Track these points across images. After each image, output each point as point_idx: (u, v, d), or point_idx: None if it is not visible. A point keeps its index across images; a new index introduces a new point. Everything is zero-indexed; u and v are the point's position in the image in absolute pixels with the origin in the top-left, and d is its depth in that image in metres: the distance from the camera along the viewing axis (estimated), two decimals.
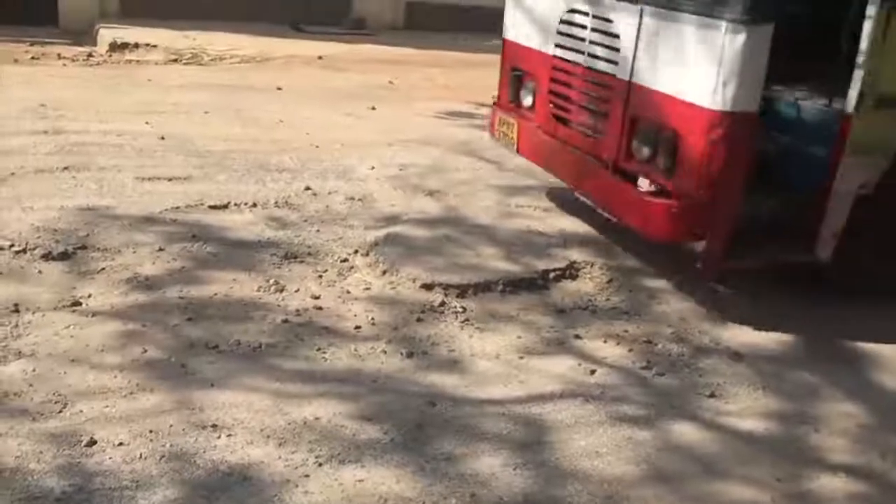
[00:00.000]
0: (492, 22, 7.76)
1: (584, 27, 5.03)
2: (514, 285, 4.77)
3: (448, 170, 6.69)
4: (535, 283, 4.83)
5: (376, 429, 3.44)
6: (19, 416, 3.31)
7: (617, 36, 4.75)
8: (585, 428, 3.61)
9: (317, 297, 4.45)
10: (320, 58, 11.15)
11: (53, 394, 3.46)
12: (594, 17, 4.94)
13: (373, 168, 6.57)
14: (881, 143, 4.37)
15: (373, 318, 4.30)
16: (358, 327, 4.22)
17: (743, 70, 4.05)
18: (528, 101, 5.73)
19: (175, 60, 10.57)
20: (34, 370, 3.61)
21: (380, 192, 6.06)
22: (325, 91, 9.34)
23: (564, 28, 5.21)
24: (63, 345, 3.82)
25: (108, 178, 5.85)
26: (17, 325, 3.94)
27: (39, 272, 4.46)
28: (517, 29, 5.82)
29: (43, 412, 3.35)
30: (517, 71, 5.82)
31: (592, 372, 4.04)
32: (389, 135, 7.59)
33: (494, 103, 6.14)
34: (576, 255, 5.15)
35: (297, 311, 4.30)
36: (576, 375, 4.01)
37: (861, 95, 4.18)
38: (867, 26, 4.10)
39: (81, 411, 3.37)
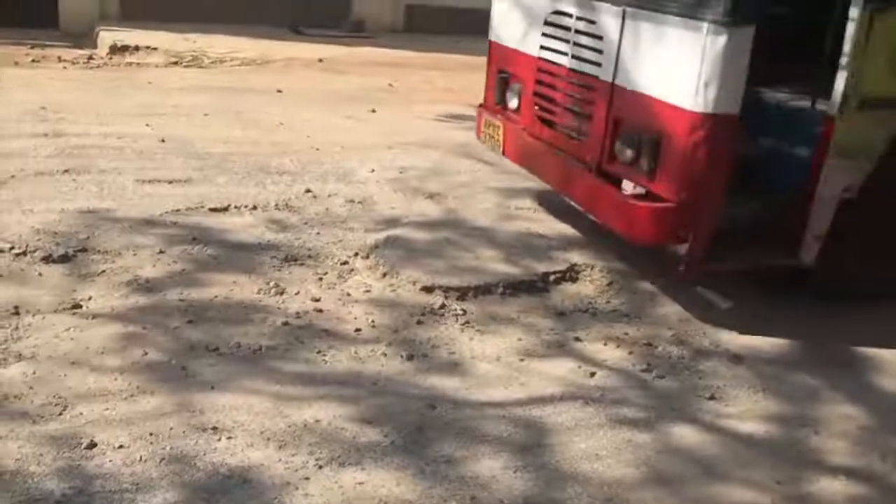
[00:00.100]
0: None
1: (567, 29, 5.03)
2: (515, 288, 4.77)
3: (448, 172, 6.70)
4: (535, 286, 4.83)
5: (376, 431, 3.44)
6: (19, 419, 3.31)
7: (600, 37, 4.74)
8: (585, 430, 3.61)
9: (317, 300, 4.46)
10: (320, 60, 11.16)
11: (53, 396, 3.46)
12: (578, 18, 4.93)
13: (373, 171, 6.57)
14: (865, 145, 4.36)
15: (373, 321, 4.30)
16: (358, 330, 4.22)
17: (724, 72, 4.03)
18: (513, 103, 5.72)
19: (175, 63, 10.58)
20: (34, 373, 3.61)
21: (380, 195, 6.07)
22: (325, 94, 9.35)
23: (549, 30, 5.21)
24: (63, 347, 3.82)
25: (108, 181, 5.85)
26: (17, 328, 3.94)
27: (40, 275, 4.46)
28: (503, 31, 5.81)
29: (43, 415, 3.35)
30: (503, 73, 5.82)
31: (592, 374, 4.04)
32: (389, 137, 7.59)
33: (480, 105, 6.14)
34: (576, 257, 5.15)
35: (298, 313, 4.30)
36: (576, 378, 4.01)
37: (844, 97, 4.17)
38: (850, 28, 4.09)
39: (81, 414, 3.37)
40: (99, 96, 8.33)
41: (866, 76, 4.16)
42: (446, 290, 4.64)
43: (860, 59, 4.12)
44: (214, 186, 5.94)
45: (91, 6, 12.30)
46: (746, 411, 3.87)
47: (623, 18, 4.55)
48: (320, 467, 3.20)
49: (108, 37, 11.14)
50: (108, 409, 3.41)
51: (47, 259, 4.59)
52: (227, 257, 4.84)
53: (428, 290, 4.64)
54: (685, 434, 3.66)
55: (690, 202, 4.23)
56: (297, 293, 4.51)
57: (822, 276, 4.65)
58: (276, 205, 5.68)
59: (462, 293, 4.63)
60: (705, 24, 4.05)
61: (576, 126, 5.06)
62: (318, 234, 5.27)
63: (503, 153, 5.80)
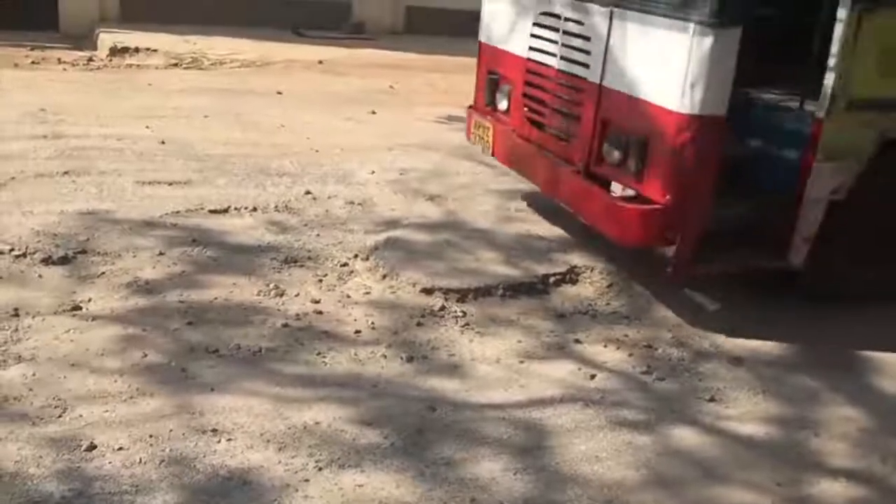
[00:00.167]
0: None
1: (556, 30, 5.01)
2: (515, 290, 4.77)
3: (448, 174, 6.70)
4: (535, 288, 4.83)
5: (376, 433, 3.43)
6: (19, 421, 3.31)
7: (588, 38, 4.73)
8: (585, 432, 3.60)
9: (317, 302, 4.45)
10: (320, 62, 11.16)
11: (53, 398, 3.46)
12: (566, 19, 4.92)
13: (373, 172, 6.57)
14: (853, 147, 4.33)
15: (373, 323, 4.30)
16: (358, 332, 4.22)
17: (711, 73, 4.02)
18: (503, 104, 5.71)
19: (175, 65, 10.58)
20: (34, 374, 3.61)
21: (380, 197, 6.07)
22: (325, 95, 9.35)
23: (537, 31, 5.20)
24: (63, 349, 3.82)
25: (108, 183, 5.85)
26: (17, 330, 3.94)
27: (39, 276, 4.46)
28: (492, 32, 5.80)
29: (43, 416, 3.35)
30: (493, 74, 5.81)
31: (592, 376, 4.04)
32: (389, 139, 7.60)
33: (470, 107, 6.12)
34: (576, 259, 5.15)
35: (297, 315, 4.30)
36: (576, 380, 4.00)
37: (832, 98, 4.15)
38: (838, 29, 4.07)
39: (81, 416, 3.37)
40: (99, 98, 8.33)
41: (854, 77, 4.14)
42: (446, 291, 4.64)
43: (848, 60, 4.10)
44: (214, 188, 5.94)
45: (91, 8, 12.30)
46: (746, 413, 3.87)
47: (610, 19, 4.54)
48: (320, 469, 3.19)
49: (108, 38, 11.14)
50: (107, 410, 3.41)
51: (47, 261, 4.59)
52: (227, 259, 4.84)
53: (428, 291, 4.63)
54: (685, 436, 3.66)
55: (678, 204, 4.22)
56: (297, 295, 4.51)
57: (810, 279, 4.64)
58: (276, 206, 5.68)
59: (462, 295, 4.63)
60: (692, 25, 4.03)
61: (564, 127, 5.05)
62: (318, 235, 5.27)
63: (492, 154, 5.79)
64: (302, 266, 4.86)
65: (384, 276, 4.78)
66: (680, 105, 4.12)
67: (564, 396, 3.85)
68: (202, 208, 5.52)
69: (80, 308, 4.18)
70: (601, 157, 4.69)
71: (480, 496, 3.15)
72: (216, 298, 4.39)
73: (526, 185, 6.38)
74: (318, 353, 3.99)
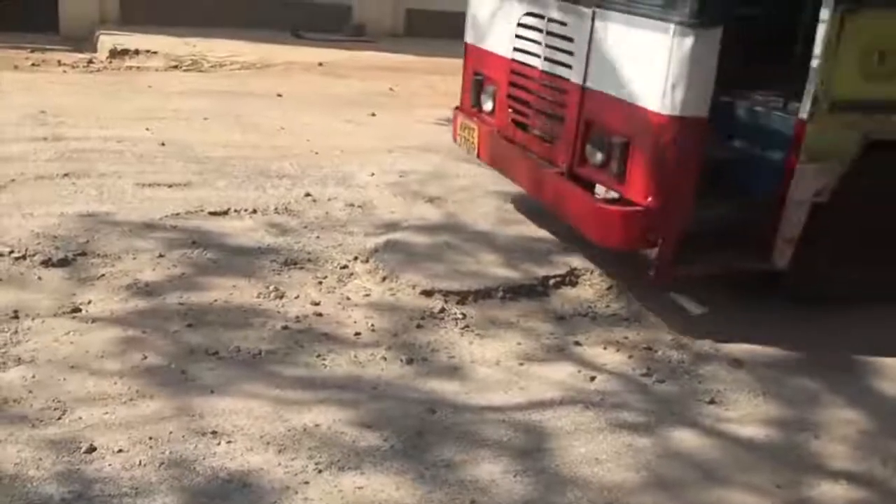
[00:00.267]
0: None
1: (540, 30, 4.99)
2: (514, 292, 4.77)
3: (448, 176, 6.69)
4: (534, 290, 4.83)
5: (376, 436, 3.43)
6: (19, 423, 3.31)
7: (571, 39, 4.72)
8: (585, 435, 3.60)
9: (317, 304, 4.45)
10: (320, 64, 11.16)
11: (53, 400, 3.45)
12: (549, 20, 4.90)
13: (373, 174, 6.57)
14: (836, 148, 4.30)
15: (373, 325, 4.30)
16: (358, 334, 4.22)
17: (691, 74, 4.00)
18: (488, 105, 5.69)
19: (175, 67, 10.58)
20: (34, 376, 3.61)
21: (380, 199, 6.07)
22: (325, 98, 9.35)
23: (522, 31, 5.18)
24: (63, 351, 3.81)
25: (108, 185, 5.85)
26: (16, 332, 3.94)
27: (39, 278, 4.46)
28: (478, 33, 5.78)
29: (42, 419, 3.35)
30: (478, 75, 5.78)
31: (592, 378, 4.04)
32: (389, 141, 7.60)
33: (456, 108, 6.10)
34: (576, 261, 5.15)
35: (297, 317, 4.30)
36: (576, 382, 4.00)
37: (815, 100, 4.12)
38: (820, 30, 4.05)
39: (81, 418, 3.36)
40: (99, 100, 8.33)
41: (837, 78, 4.12)
42: (446, 294, 4.64)
43: (831, 62, 4.08)
44: (214, 190, 5.94)
45: (91, 10, 12.29)
46: (747, 415, 3.87)
47: (593, 20, 4.52)
48: (320, 471, 3.19)
49: (108, 41, 11.13)
50: (107, 413, 3.41)
51: (47, 263, 4.59)
52: (227, 261, 4.84)
53: (428, 294, 4.63)
54: (685, 438, 3.66)
55: (659, 205, 4.20)
56: (297, 297, 4.51)
57: (794, 280, 4.62)
58: (276, 209, 5.68)
59: (462, 297, 4.63)
60: (672, 26, 4.01)
61: (548, 129, 5.03)
62: (318, 237, 5.27)
63: (478, 156, 5.76)
64: (302, 268, 4.86)
65: (384, 279, 4.78)
66: (661, 106, 4.10)
67: (564, 398, 3.85)
68: (202, 210, 5.51)
69: (80, 310, 4.18)
70: (584, 159, 4.67)
71: (480, 498, 3.15)
72: (216, 300, 4.38)
73: None
74: (318, 356, 3.99)
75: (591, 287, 4.92)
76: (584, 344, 4.35)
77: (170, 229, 5.18)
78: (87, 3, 12.25)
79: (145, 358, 3.82)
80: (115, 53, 10.79)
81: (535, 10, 5.03)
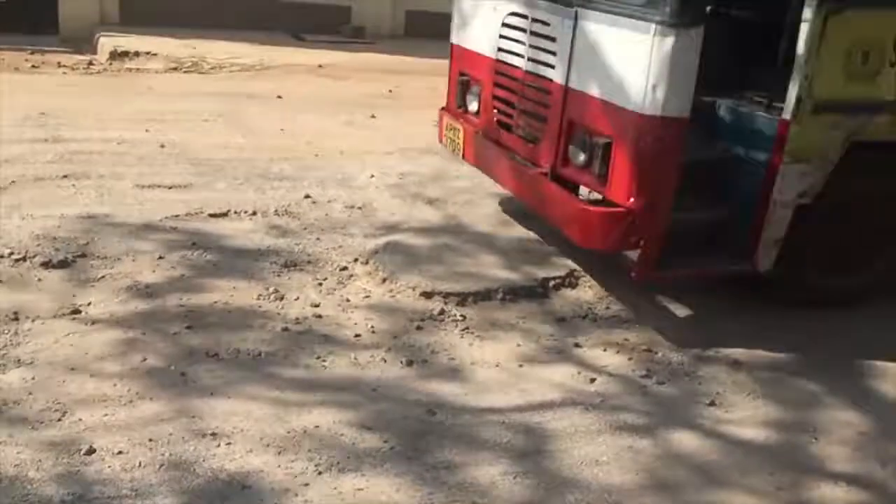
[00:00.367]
0: None
1: (523, 30, 4.97)
2: (514, 293, 4.77)
3: (448, 178, 6.69)
4: (534, 292, 4.83)
5: (376, 437, 3.43)
6: (18, 424, 3.31)
7: (553, 39, 4.70)
8: (585, 436, 3.60)
9: (316, 306, 4.45)
10: (320, 66, 11.16)
11: (53, 402, 3.45)
12: (533, 20, 4.88)
13: (373, 176, 6.57)
14: (820, 150, 4.26)
15: (372, 327, 4.30)
16: (358, 335, 4.22)
17: (672, 74, 3.97)
18: (473, 106, 5.66)
19: (175, 69, 10.58)
20: (33, 378, 3.61)
21: (380, 201, 6.07)
22: (325, 99, 9.35)
23: (506, 31, 5.15)
24: (62, 353, 3.81)
25: (108, 186, 5.85)
26: (16, 333, 3.94)
27: (39, 280, 4.46)
28: (463, 33, 5.75)
29: (42, 420, 3.35)
30: (464, 75, 5.75)
31: (592, 380, 4.04)
32: (389, 143, 7.60)
33: (442, 108, 6.07)
34: (575, 263, 5.15)
35: (297, 319, 4.30)
36: (576, 384, 4.00)
37: (798, 101, 4.09)
38: (804, 30, 4.02)
39: (81, 419, 3.37)
40: (99, 102, 8.33)
41: (821, 79, 4.08)
42: (446, 295, 4.64)
43: (814, 62, 4.04)
44: (214, 192, 5.94)
45: (91, 12, 12.29)
46: (746, 417, 3.87)
47: (575, 20, 4.50)
48: (320, 473, 3.19)
49: (108, 42, 11.14)
50: (107, 414, 3.41)
51: (47, 264, 4.59)
52: (227, 263, 4.84)
53: (427, 295, 4.64)
54: (685, 440, 3.66)
55: (640, 206, 4.17)
56: (297, 299, 4.51)
57: (779, 283, 4.60)
58: (276, 210, 5.68)
59: (462, 299, 4.63)
60: (653, 25, 3.98)
61: (531, 129, 5.00)
62: (318, 239, 5.27)
63: (463, 157, 5.73)
64: (302, 270, 4.86)
65: (384, 280, 4.78)
66: (642, 106, 4.07)
67: (564, 400, 3.85)
68: (202, 212, 5.52)
69: (80, 312, 4.18)
70: (567, 160, 4.64)
71: (480, 500, 3.15)
72: (216, 302, 4.39)
73: None
74: (318, 357, 3.99)
75: (591, 289, 4.92)
76: (583, 346, 4.35)
77: (170, 231, 5.19)
78: (86, 5, 12.26)
79: (145, 360, 3.82)
80: (115, 55, 10.80)
81: (520, 10, 5.00)
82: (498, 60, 5.25)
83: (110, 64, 10.65)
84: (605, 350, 4.33)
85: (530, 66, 4.93)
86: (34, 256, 4.65)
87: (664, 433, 3.68)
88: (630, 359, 4.26)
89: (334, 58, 11.69)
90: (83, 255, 4.74)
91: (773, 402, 4.00)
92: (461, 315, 4.50)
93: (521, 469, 3.34)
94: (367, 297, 4.63)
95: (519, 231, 5.64)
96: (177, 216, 5.41)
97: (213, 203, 5.67)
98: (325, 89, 9.97)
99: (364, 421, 3.53)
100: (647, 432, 3.67)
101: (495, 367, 4.08)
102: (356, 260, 5.01)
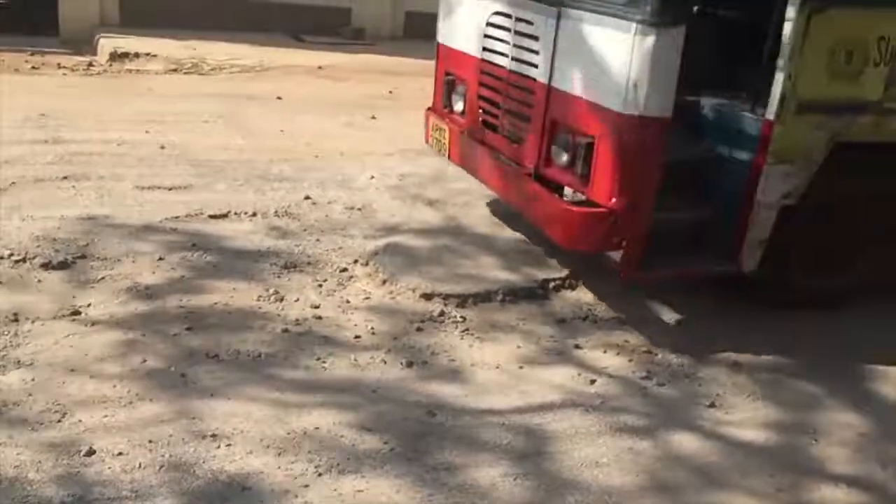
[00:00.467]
0: None
1: (507, 30, 4.95)
2: (514, 295, 4.77)
3: (448, 179, 6.69)
4: (534, 293, 4.83)
5: (376, 439, 3.43)
6: (18, 426, 3.31)
7: (537, 38, 4.68)
8: (585, 438, 3.60)
9: (316, 307, 4.45)
10: (320, 67, 11.16)
11: (53, 403, 3.45)
12: (517, 19, 4.86)
13: (373, 177, 6.57)
14: (804, 150, 4.24)
15: (372, 328, 4.30)
16: (358, 337, 4.22)
17: (654, 73, 3.95)
18: (458, 106, 5.63)
19: (175, 70, 10.58)
20: (33, 379, 3.60)
21: (380, 202, 6.07)
22: (325, 101, 9.35)
23: (490, 31, 5.12)
24: (62, 354, 3.81)
25: (108, 188, 5.85)
26: (16, 335, 3.94)
27: (39, 281, 4.46)
28: (449, 32, 5.73)
29: (42, 421, 3.35)
30: (449, 75, 5.73)
31: (592, 382, 4.04)
32: (389, 144, 7.60)
33: (428, 109, 6.04)
34: (576, 264, 5.14)
35: (297, 320, 4.30)
36: (576, 385, 4.00)
37: (782, 100, 4.07)
38: (787, 29, 3.99)
39: (80, 421, 3.36)
40: (99, 103, 8.33)
41: (804, 79, 4.06)
42: (446, 297, 4.64)
43: (798, 61, 4.02)
44: (214, 193, 5.94)
45: (91, 13, 12.29)
46: (746, 419, 3.87)
47: (558, 19, 4.48)
48: (320, 475, 3.19)
49: (108, 44, 11.14)
50: (107, 416, 3.41)
51: (47, 266, 4.59)
52: (227, 264, 4.84)
53: (427, 297, 4.63)
54: (685, 442, 3.66)
55: (622, 206, 4.15)
56: (297, 300, 4.51)
57: (763, 284, 4.59)
58: (276, 212, 5.68)
59: (462, 300, 4.63)
60: (634, 25, 3.96)
61: (516, 129, 4.98)
62: (318, 240, 5.27)
63: (448, 157, 5.70)
64: (302, 271, 4.86)
65: (384, 282, 4.78)
66: (623, 106, 4.05)
67: (564, 402, 3.85)
68: (202, 213, 5.52)
69: (80, 313, 4.17)
70: (550, 160, 4.62)
71: (480, 502, 3.15)
72: (216, 303, 4.38)
73: None
74: (318, 359, 3.99)
75: (591, 290, 4.92)
76: (584, 347, 4.35)
77: (170, 232, 5.19)
78: (86, 6, 12.26)
79: (145, 361, 3.82)
80: (115, 56, 10.80)
81: (504, 10, 4.98)
82: (483, 60, 5.22)
83: (110, 65, 10.65)
84: (605, 351, 4.33)
85: (514, 66, 4.90)
86: (34, 258, 4.65)
87: (664, 435, 3.68)
88: (630, 360, 4.26)
89: (334, 59, 11.69)
90: (83, 257, 4.74)
91: (773, 404, 4.00)
92: (461, 316, 4.50)
93: (521, 470, 3.34)
94: (367, 298, 4.63)
95: (519, 232, 5.64)
96: (177, 217, 5.41)
97: (213, 204, 5.67)
98: (324, 90, 9.97)
99: (364, 422, 3.53)
100: (648, 434, 3.67)
101: (495, 369, 4.07)
102: (356, 261, 5.01)
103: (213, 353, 3.93)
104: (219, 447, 3.29)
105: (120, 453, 3.19)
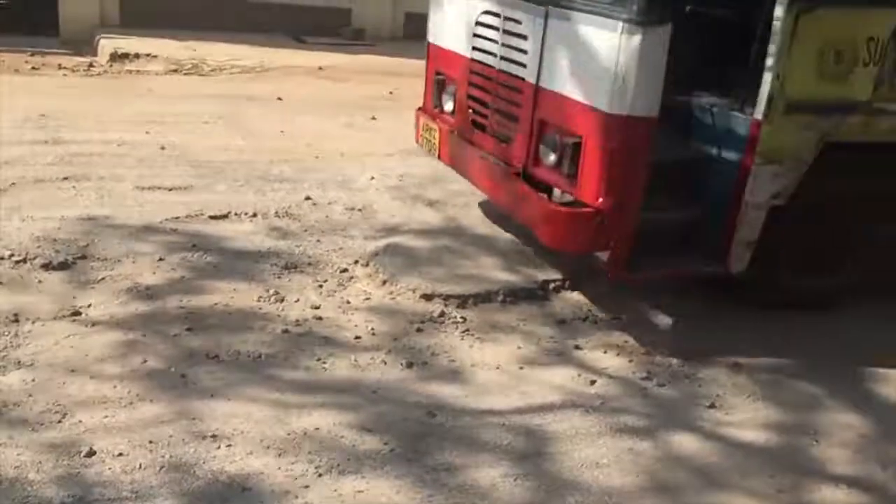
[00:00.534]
0: None
1: (496, 29, 4.92)
2: (514, 295, 4.77)
3: (448, 180, 6.68)
4: (535, 294, 4.83)
5: (376, 439, 3.43)
6: (19, 426, 3.31)
7: (525, 37, 4.66)
8: (586, 439, 3.60)
9: (317, 308, 4.45)
10: (320, 68, 11.17)
11: (53, 404, 3.45)
12: (505, 18, 4.84)
13: (373, 178, 6.58)
14: (793, 150, 4.21)
15: (373, 329, 4.30)
16: (358, 337, 4.22)
17: (640, 72, 3.93)
18: (448, 105, 5.60)
19: (175, 71, 10.58)
20: (34, 380, 3.61)
21: (380, 203, 6.07)
22: (325, 101, 9.35)
23: (480, 30, 5.10)
24: (63, 354, 3.81)
25: (108, 188, 5.85)
26: (16, 335, 3.94)
27: (39, 282, 4.46)
28: (439, 32, 5.71)
29: (42, 422, 3.35)
30: (440, 74, 5.71)
31: (592, 382, 4.04)
32: (390, 145, 7.60)
33: (419, 108, 6.02)
34: (576, 265, 5.14)
35: (297, 321, 4.30)
36: (576, 386, 4.00)
37: (770, 100, 4.04)
38: (775, 28, 3.97)
39: (81, 421, 3.36)
40: (99, 104, 8.34)
41: (792, 78, 4.04)
42: (446, 297, 4.64)
43: (786, 61, 4.00)
44: (214, 194, 5.94)
45: (91, 14, 12.30)
46: (747, 419, 3.87)
47: (546, 18, 4.46)
48: (320, 475, 3.19)
49: (108, 44, 11.14)
50: (107, 416, 3.41)
51: (47, 266, 4.59)
52: (227, 265, 4.84)
53: (428, 297, 4.63)
54: (686, 442, 3.66)
55: (609, 207, 4.13)
56: (297, 301, 4.51)
57: (753, 284, 4.59)
58: (276, 212, 5.68)
59: (462, 301, 4.63)
60: (620, 24, 3.94)
61: (504, 129, 4.96)
62: (318, 241, 5.27)
63: (438, 157, 5.67)
64: (302, 272, 4.86)
65: (384, 282, 4.78)
66: (610, 105, 4.04)
67: (564, 402, 3.85)
68: (202, 214, 5.52)
69: (80, 313, 4.17)
70: (538, 160, 4.60)
71: (480, 502, 3.15)
72: (216, 304, 4.38)
73: None
74: (318, 359, 3.99)
75: (591, 291, 4.92)
76: (584, 348, 4.35)
77: (170, 233, 5.19)
78: (87, 7, 12.27)
79: (145, 361, 3.82)
80: (116, 57, 10.80)
81: (493, 9, 4.96)
82: (472, 60, 5.20)
83: (110, 66, 10.65)
84: (605, 352, 4.33)
85: (503, 65, 4.88)
86: (34, 258, 4.65)
87: (664, 435, 3.68)
88: (630, 361, 4.26)
89: (334, 60, 11.69)
90: (83, 257, 4.74)
91: (774, 405, 4.00)
92: (461, 317, 4.50)
93: (521, 471, 3.34)
94: (367, 299, 4.63)
95: (519, 233, 5.64)
96: (177, 218, 5.41)
97: (213, 205, 5.67)
98: (325, 91, 9.97)
99: (364, 423, 3.53)
100: (648, 434, 3.67)
101: (496, 369, 4.08)
102: (356, 262, 5.01)
103: (214, 353, 3.93)
104: (219, 448, 3.29)
105: (120, 454, 3.19)
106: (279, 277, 4.76)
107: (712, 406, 3.94)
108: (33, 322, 4.06)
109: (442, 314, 4.50)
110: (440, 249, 5.27)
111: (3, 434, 3.25)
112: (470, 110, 5.31)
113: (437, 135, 5.61)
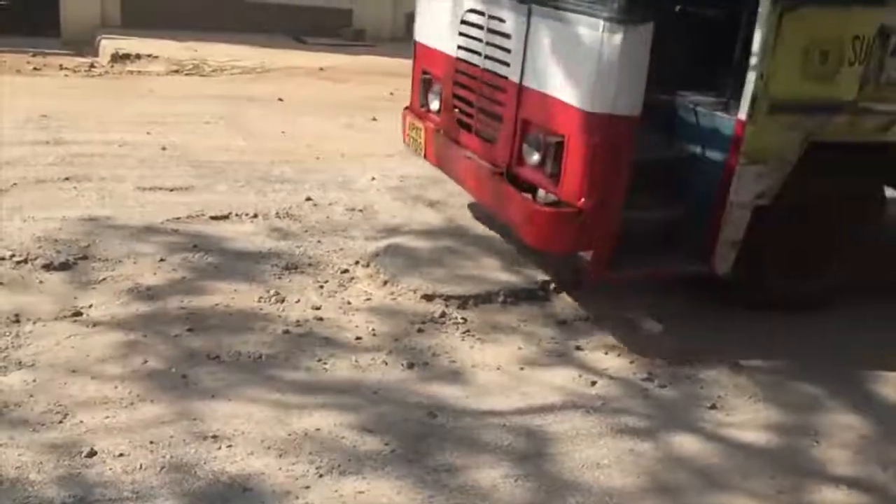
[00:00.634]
0: None
1: (481, 27, 4.91)
2: (515, 296, 4.76)
3: (448, 180, 6.67)
4: (535, 294, 4.83)
5: (377, 440, 3.43)
6: (20, 427, 3.31)
7: (508, 36, 4.64)
8: (586, 439, 3.60)
9: (317, 308, 4.45)
10: (321, 69, 11.18)
11: (54, 404, 3.46)
12: (490, 16, 4.82)
13: (374, 179, 6.58)
14: (777, 150, 4.19)
15: (373, 329, 4.30)
16: (359, 338, 4.22)
17: (622, 71, 3.91)
18: (434, 105, 5.58)
19: (176, 71, 10.59)
20: (35, 380, 3.61)
21: (381, 203, 6.07)
22: (326, 102, 9.36)
23: (465, 29, 5.07)
24: (64, 355, 3.81)
25: (109, 189, 5.86)
26: (17, 336, 3.94)
27: (40, 282, 4.46)
28: (425, 31, 5.69)
29: (43, 422, 3.35)
30: (426, 73, 5.69)
31: (593, 383, 4.04)
32: (390, 146, 7.58)
33: (406, 108, 6.00)
34: (577, 265, 5.14)
35: (298, 321, 4.30)
36: (577, 387, 4.00)
37: (754, 100, 4.02)
38: (759, 27, 3.95)
39: (82, 422, 3.37)
40: (100, 104, 8.34)
41: (777, 78, 4.01)
42: (447, 298, 4.64)
43: (770, 61, 3.97)
44: (215, 194, 5.94)
45: (92, 14, 12.32)
46: (747, 420, 3.87)
47: (529, 16, 4.44)
48: (321, 476, 3.19)
49: (109, 45, 11.16)
50: (108, 417, 3.41)
51: (48, 267, 4.59)
52: (228, 265, 4.84)
53: (428, 298, 4.64)
54: (686, 443, 3.66)
55: (591, 206, 4.11)
56: (298, 301, 4.51)
57: (737, 285, 4.57)
58: (277, 213, 5.68)
59: (463, 301, 4.63)
60: (602, 22, 3.92)
61: (489, 128, 4.94)
62: (319, 242, 5.27)
63: (424, 157, 5.65)
64: (303, 272, 4.86)
65: (385, 283, 4.78)
66: (591, 104, 4.02)
67: (565, 403, 3.84)
68: (203, 214, 5.52)
69: (81, 314, 4.18)
70: (522, 159, 4.58)
71: (481, 503, 3.15)
72: (217, 305, 4.39)
73: None
74: (319, 360, 3.99)
75: (592, 291, 4.91)
76: (585, 348, 4.35)
77: (171, 233, 5.19)
78: (88, 8, 12.29)
79: (146, 362, 3.82)
80: (117, 58, 10.82)
81: (477, 7, 4.94)
82: (458, 58, 5.17)
83: (112, 66, 10.67)
84: (606, 353, 4.33)
85: (488, 64, 4.86)
86: (35, 258, 4.66)
87: (665, 436, 3.68)
88: (631, 362, 4.26)
89: (335, 60, 11.70)
90: (84, 258, 4.74)
91: (774, 406, 4.00)
92: (462, 318, 4.50)
93: (522, 472, 3.34)
94: (368, 299, 4.63)
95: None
96: (178, 218, 5.41)
97: (214, 205, 5.67)
98: (325, 92, 9.98)
99: (365, 423, 3.53)
100: (649, 435, 3.67)
101: (496, 370, 4.08)
102: (357, 262, 5.01)
103: (215, 354, 3.93)
104: (220, 448, 3.29)
105: (121, 454, 3.19)
106: (280, 278, 4.76)
107: (713, 407, 3.94)
108: (34, 322, 4.06)
109: (443, 315, 4.50)
110: (441, 250, 5.27)
111: (5, 434, 3.25)
112: (455, 109, 5.28)
113: (423, 134, 5.59)
